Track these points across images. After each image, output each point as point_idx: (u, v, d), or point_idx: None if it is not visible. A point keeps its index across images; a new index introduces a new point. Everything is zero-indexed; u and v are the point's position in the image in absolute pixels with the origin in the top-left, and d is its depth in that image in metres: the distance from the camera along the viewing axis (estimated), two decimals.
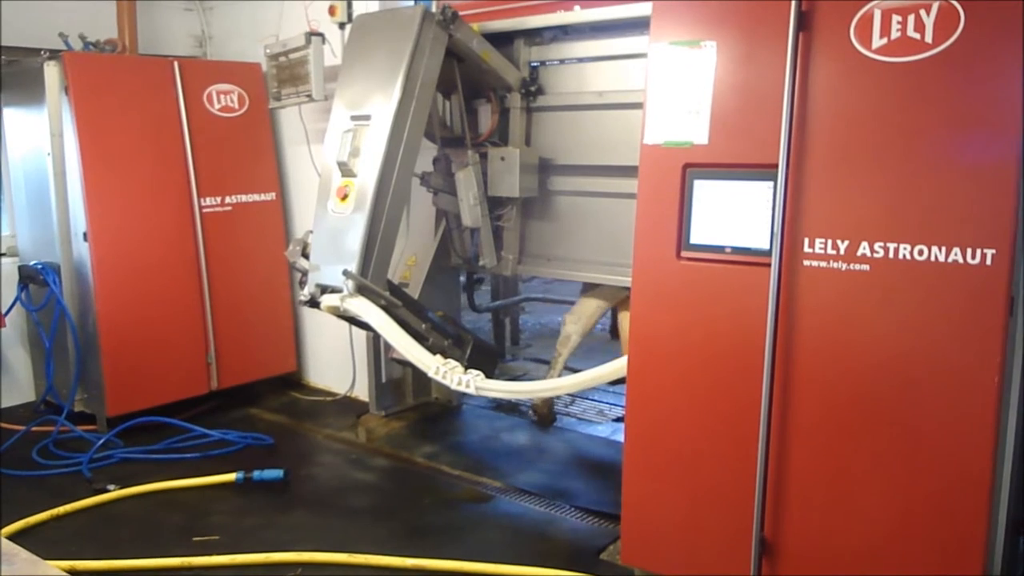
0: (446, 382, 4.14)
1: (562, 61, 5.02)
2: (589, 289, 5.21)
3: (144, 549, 3.93)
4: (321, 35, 5.38)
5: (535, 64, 5.07)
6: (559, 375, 5.19)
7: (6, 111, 5.72)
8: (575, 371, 4.21)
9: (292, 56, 5.49)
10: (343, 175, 4.44)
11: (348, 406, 6.02)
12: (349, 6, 5.16)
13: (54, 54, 5.18)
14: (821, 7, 2.85)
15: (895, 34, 2.73)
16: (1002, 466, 2.72)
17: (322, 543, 3.98)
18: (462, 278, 6.11)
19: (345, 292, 4.28)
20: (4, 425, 5.48)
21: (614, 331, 6.79)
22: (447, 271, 5.59)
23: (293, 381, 6.47)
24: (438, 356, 4.25)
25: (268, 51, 5.66)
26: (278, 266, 5.99)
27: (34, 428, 5.30)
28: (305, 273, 4.58)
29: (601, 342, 7.98)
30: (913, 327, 2.76)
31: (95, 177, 5.20)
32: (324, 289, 4.42)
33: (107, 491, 4.51)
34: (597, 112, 4.79)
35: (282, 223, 6.20)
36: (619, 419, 5.65)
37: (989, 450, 2.66)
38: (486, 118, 5.16)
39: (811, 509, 3.03)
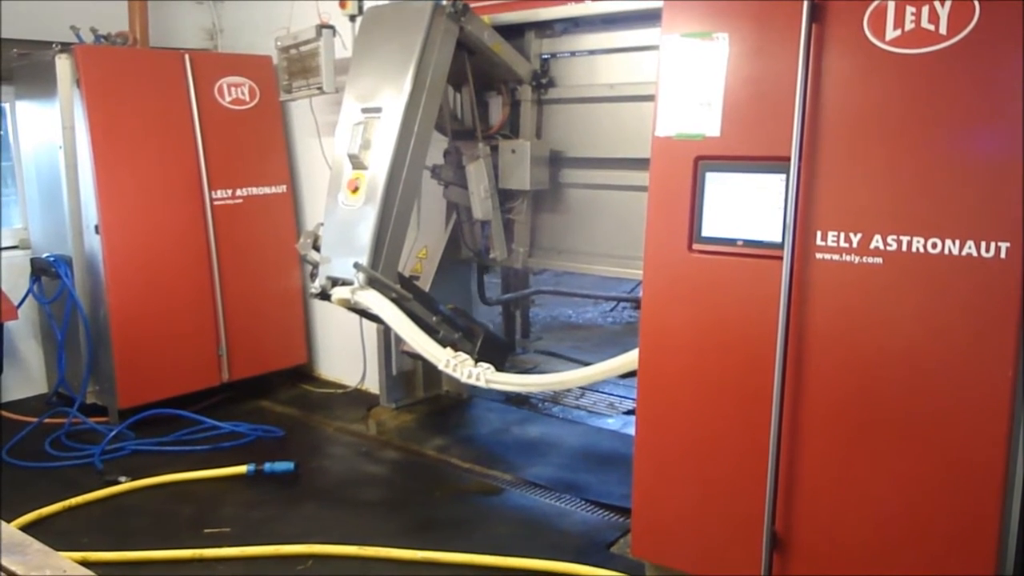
0: (456, 375, 4.14)
1: (573, 53, 5.01)
2: None
3: (155, 541, 3.95)
4: (332, 28, 5.36)
5: (546, 56, 5.06)
6: None
7: (18, 104, 5.74)
8: (587, 364, 4.20)
9: (303, 49, 5.48)
10: (354, 168, 4.44)
11: (358, 399, 6.03)
12: None
13: (66, 47, 5.20)
14: None
15: (909, 26, 2.71)
16: (1016, 461, 2.71)
17: (332, 535, 3.99)
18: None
19: (356, 285, 4.28)
20: (17, 417, 5.52)
21: None
22: (458, 264, 5.59)
23: (304, 373, 6.48)
24: (448, 349, 4.24)
25: (279, 44, 5.65)
26: (289, 258, 6.00)
27: (46, 420, 5.33)
28: (316, 266, 4.58)
29: (612, 335, 8.00)
30: (926, 320, 2.75)
31: (107, 170, 5.22)
32: (335, 282, 4.42)
33: (119, 483, 4.54)
34: (608, 104, 4.78)
35: (293, 215, 6.21)
36: (630, 412, 5.64)
37: (1003, 445, 2.64)
38: (497, 110, 5.16)
39: (822, 503, 3.02)
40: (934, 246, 2.70)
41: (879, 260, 2.80)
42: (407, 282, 4.68)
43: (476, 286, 5.92)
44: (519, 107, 5.09)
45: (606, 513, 4.29)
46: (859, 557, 2.96)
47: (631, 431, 4.01)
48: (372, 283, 4.29)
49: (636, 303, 6.48)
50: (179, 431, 5.25)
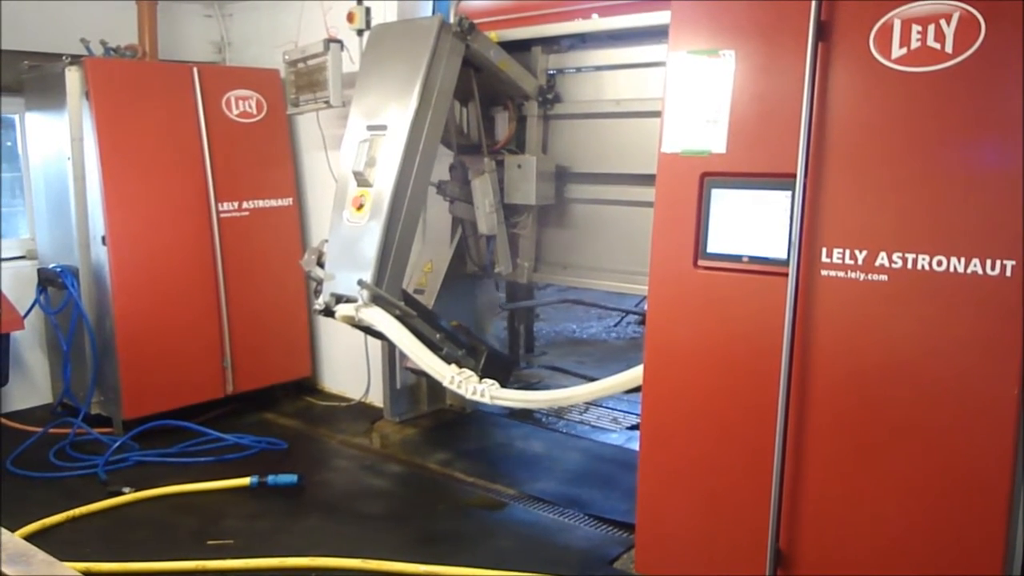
0: (461, 392, 4.15)
1: (579, 69, 5.04)
2: None
3: (158, 552, 3.94)
4: (339, 42, 5.40)
5: (552, 72, 5.08)
6: None
7: (28, 116, 5.77)
8: (592, 379, 4.20)
9: (310, 62, 5.51)
10: (359, 185, 4.45)
11: (362, 412, 6.03)
12: (367, 13, 5.18)
13: (75, 59, 5.23)
14: (840, 17, 2.85)
15: (915, 44, 2.72)
16: (1021, 480, 2.70)
17: (336, 548, 3.98)
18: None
19: (360, 302, 4.29)
20: (22, 427, 5.52)
21: None
22: (463, 278, 5.59)
23: (308, 386, 6.48)
24: (452, 366, 4.25)
25: (287, 57, 5.69)
26: (294, 271, 6.00)
27: (51, 430, 5.33)
28: (320, 282, 4.59)
29: (616, 350, 7.99)
30: (931, 338, 2.75)
31: (114, 181, 5.24)
32: (339, 298, 4.43)
33: (122, 493, 4.53)
34: (614, 120, 4.80)
35: (299, 228, 6.22)
36: (633, 427, 5.63)
37: (1008, 464, 2.64)
38: (503, 126, 5.18)
39: (827, 518, 3.01)
40: (939, 264, 2.71)
41: (884, 277, 2.81)
42: (411, 299, 4.68)
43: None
44: (525, 122, 5.11)
45: (609, 528, 4.28)
46: (863, 573, 2.95)
47: (635, 446, 4.01)
48: (376, 300, 4.30)
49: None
50: (183, 442, 5.25)
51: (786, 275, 2.97)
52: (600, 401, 6.05)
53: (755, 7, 3.05)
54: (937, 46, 2.68)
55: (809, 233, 2.93)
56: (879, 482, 2.89)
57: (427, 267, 5.48)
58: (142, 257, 5.39)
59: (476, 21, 4.58)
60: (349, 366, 6.18)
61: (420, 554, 3.94)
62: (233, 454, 5.17)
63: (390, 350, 5.57)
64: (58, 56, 5.28)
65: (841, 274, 2.89)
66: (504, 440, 5.53)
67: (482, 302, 5.88)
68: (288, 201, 6.13)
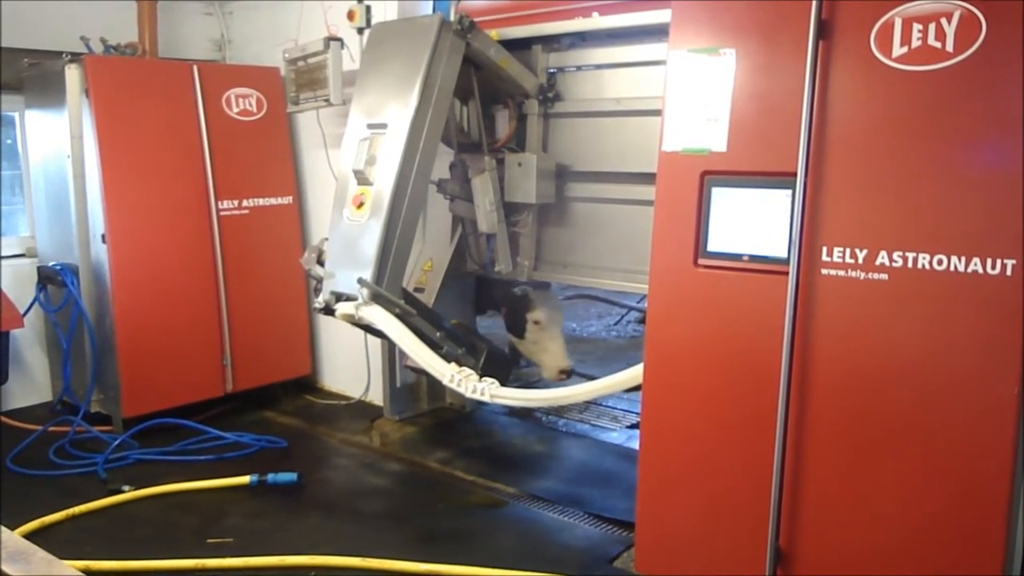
0: (461, 390, 4.15)
1: (580, 67, 5.02)
2: None
3: (158, 550, 3.94)
4: (340, 40, 5.39)
5: (553, 70, 5.06)
6: None
7: (27, 113, 5.77)
8: (592, 378, 4.19)
9: (310, 60, 5.51)
10: (359, 183, 4.45)
11: (362, 410, 6.03)
12: (368, 11, 5.17)
13: (75, 57, 5.22)
14: (841, 15, 2.85)
15: (916, 43, 2.72)
16: (1021, 477, 2.70)
17: (336, 547, 3.98)
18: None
19: (360, 300, 4.29)
20: (21, 425, 5.52)
21: None
22: (463, 276, 5.59)
23: (308, 385, 6.48)
24: (452, 364, 4.25)
25: (287, 55, 5.68)
26: (294, 269, 6.00)
27: (51, 428, 5.33)
28: (320, 281, 4.59)
29: (616, 349, 7.99)
30: (931, 337, 2.75)
31: (114, 179, 5.24)
32: (339, 297, 4.43)
33: (122, 492, 4.53)
34: (614, 119, 4.78)
35: (299, 226, 6.22)
36: (633, 426, 5.63)
37: (1008, 463, 2.63)
38: (503, 124, 5.17)
39: (827, 518, 3.01)
40: (939, 263, 2.70)
41: (884, 276, 2.81)
42: (411, 297, 4.68)
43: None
44: (525, 121, 5.10)
45: (609, 527, 4.28)
46: (863, 573, 2.95)
47: (635, 445, 4.01)
48: (376, 299, 4.29)
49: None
50: (183, 441, 5.25)
51: (786, 274, 2.97)
52: (600, 399, 6.05)
53: (756, 6, 3.05)
54: (938, 45, 2.68)
55: (809, 232, 2.93)
56: (879, 481, 2.89)
57: (427, 266, 5.48)
58: (142, 255, 5.39)
59: (476, 19, 4.57)
60: (349, 364, 6.18)
61: (420, 552, 3.93)
62: (233, 452, 5.17)
63: (390, 348, 5.57)
64: (58, 54, 5.28)
65: (841, 273, 2.89)
66: (504, 438, 5.53)
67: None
68: (288, 199, 6.13)
